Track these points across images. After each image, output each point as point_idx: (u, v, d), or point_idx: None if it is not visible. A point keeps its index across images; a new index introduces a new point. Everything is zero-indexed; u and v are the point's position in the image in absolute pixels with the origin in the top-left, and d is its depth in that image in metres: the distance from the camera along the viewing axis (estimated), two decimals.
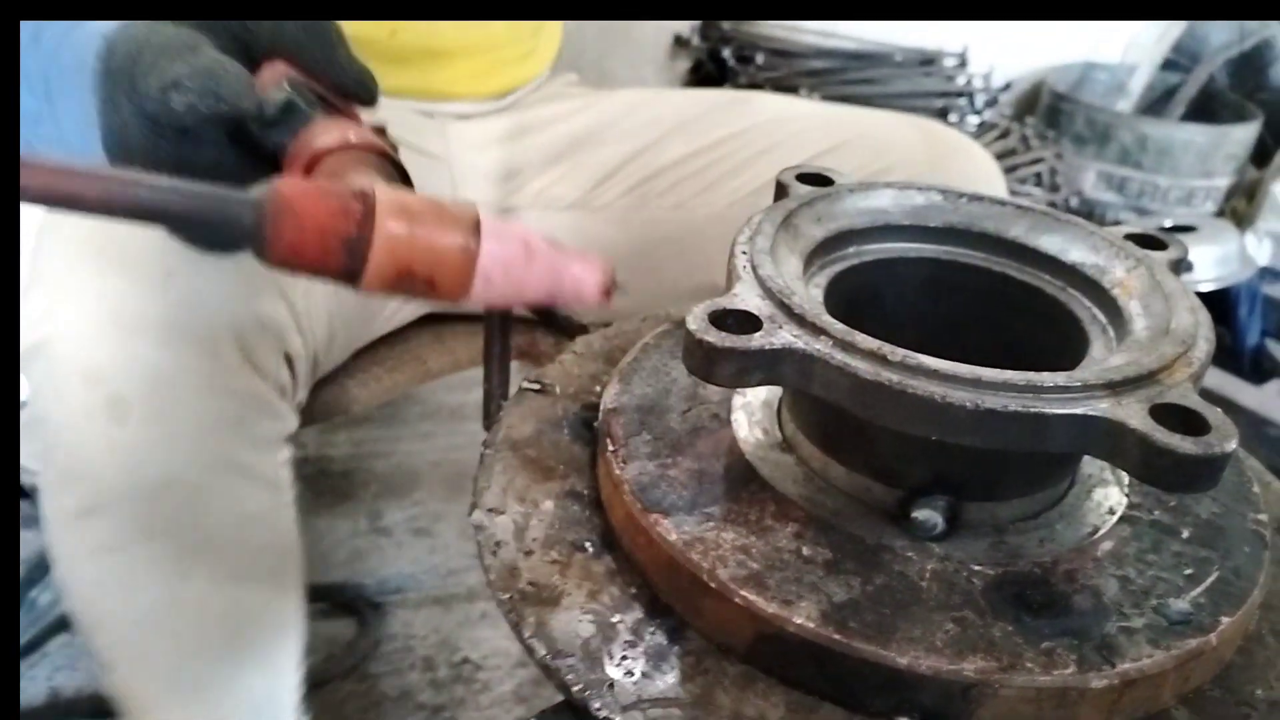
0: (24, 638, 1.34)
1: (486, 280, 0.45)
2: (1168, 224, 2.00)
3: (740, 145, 1.04)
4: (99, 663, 0.83)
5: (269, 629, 0.84)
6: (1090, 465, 0.53)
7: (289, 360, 0.78)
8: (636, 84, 1.98)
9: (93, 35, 0.59)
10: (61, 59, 0.60)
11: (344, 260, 0.44)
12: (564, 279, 0.47)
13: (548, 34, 1.14)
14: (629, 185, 1.05)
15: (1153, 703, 0.43)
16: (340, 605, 1.48)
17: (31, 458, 1.23)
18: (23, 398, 0.73)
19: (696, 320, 0.42)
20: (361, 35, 0.97)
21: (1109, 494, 0.52)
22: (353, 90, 0.58)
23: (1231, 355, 1.85)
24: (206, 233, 0.42)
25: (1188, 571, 0.47)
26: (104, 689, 0.85)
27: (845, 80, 2.07)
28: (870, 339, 0.42)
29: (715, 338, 0.42)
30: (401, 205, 0.44)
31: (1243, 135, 2.22)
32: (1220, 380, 1.62)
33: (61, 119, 0.61)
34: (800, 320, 0.43)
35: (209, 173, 0.52)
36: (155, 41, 0.50)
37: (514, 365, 1.16)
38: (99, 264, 0.69)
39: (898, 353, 0.41)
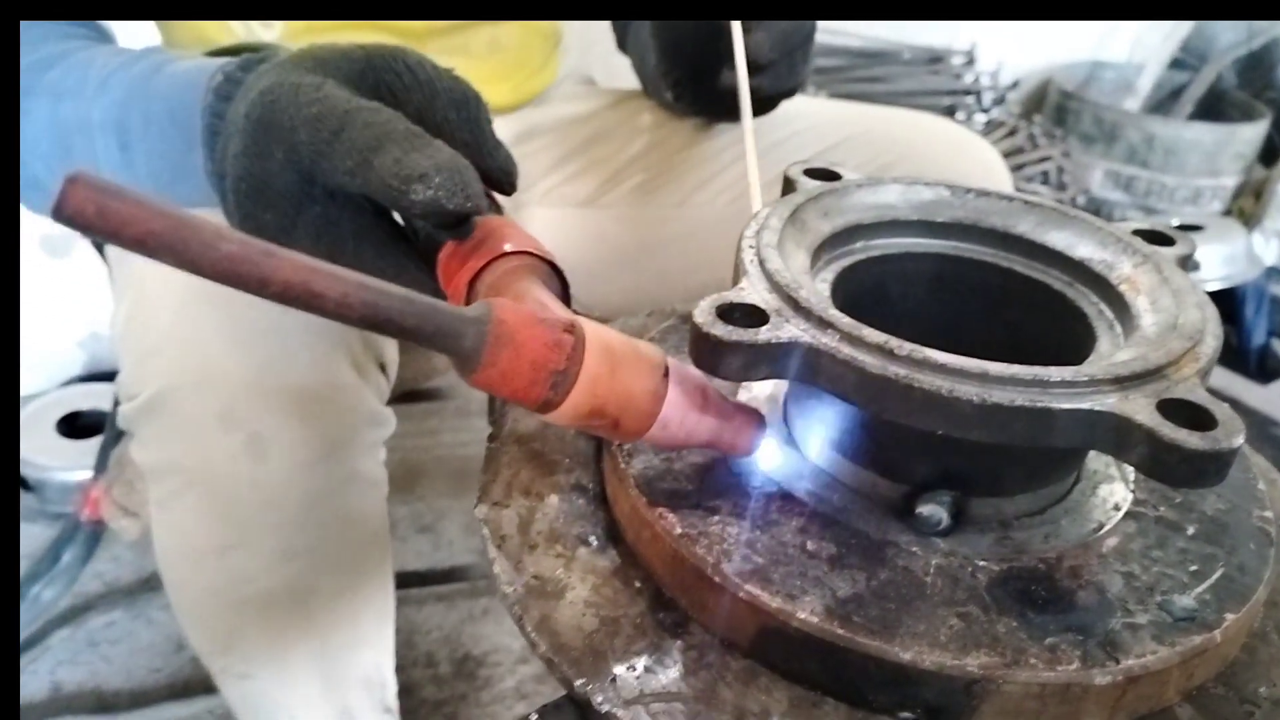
0: (26, 632, 1.34)
1: (664, 425, 0.45)
2: (1175, 223, 1.99)
3: (738, 143, 1.04)
4: (226, 676, 0.85)
5: (378, 610, 0.87)
6: (1095, 461, 0.53)
7: (383, 368, 0.80)
8: None
9: (185, 83, 0.58)
10: (149, 108, 0.61)
11: (546, 392, 0.43)
12: (725, 429, 0.47)
13: (561, 41, 1.15)
14: (635, 183, 1.05)
15: (1157, 699, 0.43)
16: None
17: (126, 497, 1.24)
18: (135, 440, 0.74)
19: (703, 314, 0.42)
20: None
21: (1114, 490, 0.51)
22: (497, 178, 0.56)
23: (1238, 355, 1.85)
24: (423, 343, 0.41)
25: (1193, 568, 0.47)
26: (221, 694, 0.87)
27: (852, 78, 2.07)
28: (877, 332, 0.42)
29: (722, 331, 0.42)
30: (605, 344, 0.44)
31: (1250, 134, 2.22)
32: (1226, 380, 1.62)
33: (137, 168, 0.62)
34: (807, 314, 0.43)
35: (351, 241, 0.53)
36: (361, 119, 0.48)
37: None
38: (212, 305, 0.70)
39: (904, 346, 0.41)
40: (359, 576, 0.83)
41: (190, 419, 0.70)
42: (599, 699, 0.41)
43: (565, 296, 0.53)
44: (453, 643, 1.45)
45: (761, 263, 0.47)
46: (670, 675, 0.42)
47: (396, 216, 0.54)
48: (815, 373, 0.42)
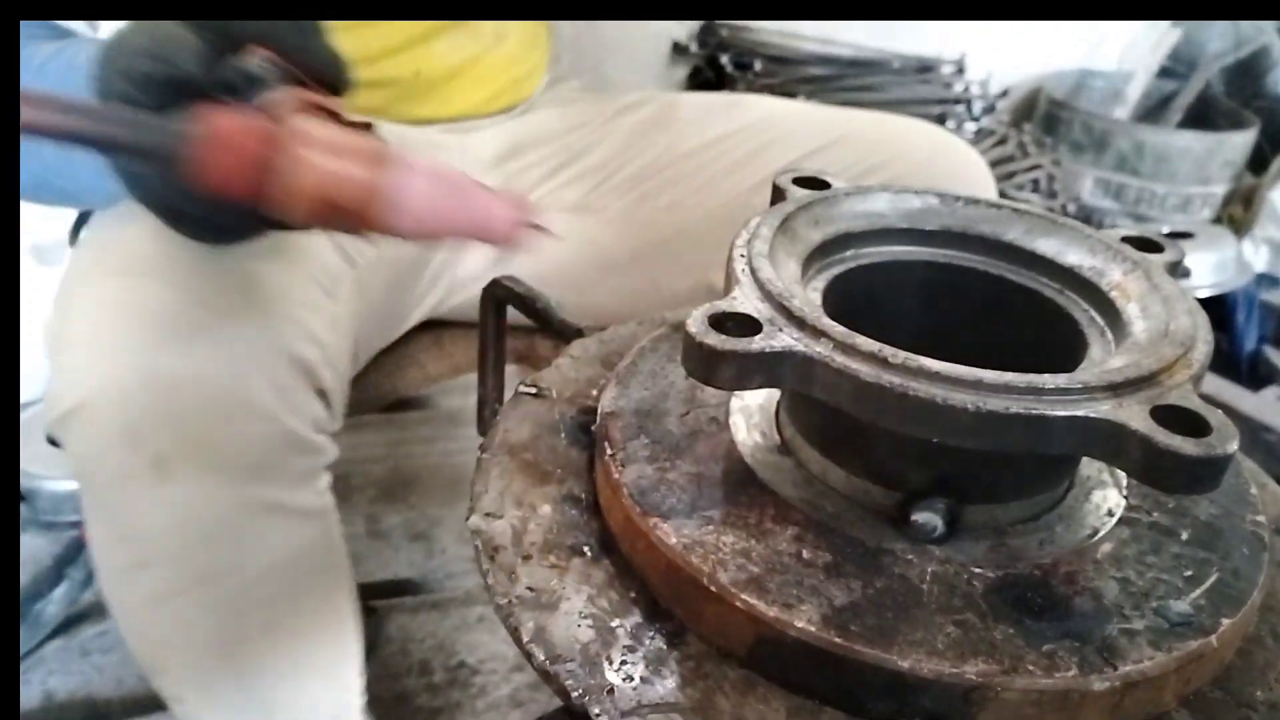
0: (24, 649, 1.33)
1: (402, 209, 0.48)
2: (1165, 230, 2.00)
3: (733, 145, 1.05)
4: (165, 697, 0.84)
5: (329, 646, 0.85)
6: (1088, 467, 0.53)
7: (322, 395, 0.78)
8: (634, 88, 1.98)
9: (81, 45, 0.61)
10: (47, 69, 0.62)
11: (262, 185, 0.47)
12: (476, 211, 0.48)
13: (545, 44, 1.15)
14: (626, 188, 1.05)
15: (1154, 704, 0.43)
16: None
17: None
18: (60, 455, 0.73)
19: (697, 323, 0.42)
20: (388, 77, 0.98)
21: (1108, 496, 0.51)
22: (325, 73, 0.61)
23: (1229, 362, 1.85)
24: (133, 155, 0.46)
25: (1187, 573, 0.47)
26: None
27: (843, 87, 2.07)
28: (871, 341, 0.42)
29: (716, 340, 0.42)
30: (313, 131, 0.47)
31: (1240, 142, 2.22)
32: (1218, 386, 1.62)
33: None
34: (800, 323, 0.43)
35: None
36: (135, 27, 0.54)
37: (512, 370, 1.16)
38: (127, 323, 0.69)
39: (899, 355, 0.41)
40: (297, 609, 0.81)
41: (99, 435, 0.69)
42: (596, 710, 0.41)
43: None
44: (447, 651, 1.45)
45: (754, 272, 0.47)
46: (667, 686, 0.42)
47: None
48: (809, 382, 0.42)
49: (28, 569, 1.42)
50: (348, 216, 0.48)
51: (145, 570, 0.73)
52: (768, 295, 0.45)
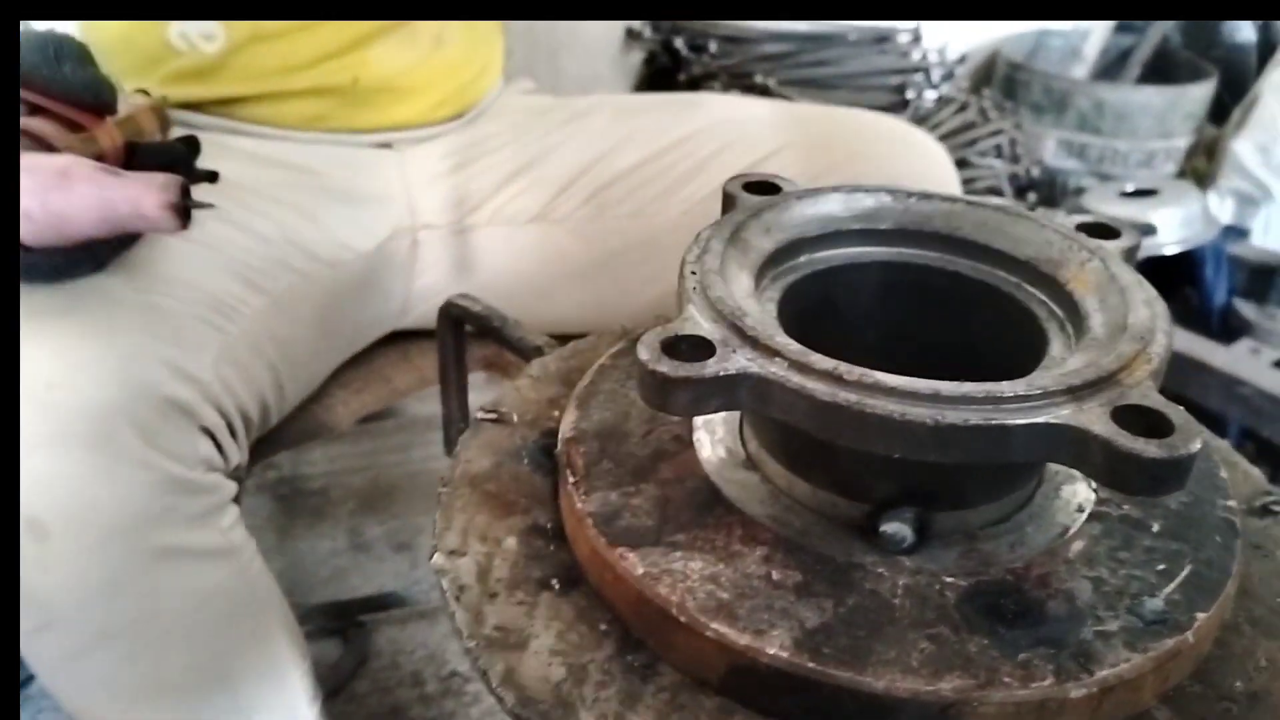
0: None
1: (25, 215, 0.46)
2: (1129, 188, 2.00)
3: (690, 150, 1.04)
4: None
5: (267, 680, 0.84)
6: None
7: (209, 432, 0.76)
8: (591, 80, 1.97)
9: None
10: None
11: None
12: (117, 202, 0.47)
13: (497, 45, 1.13)
14: (585, 196, 1.04)
15: (1133, 705, 0.43)
16: (325, 626, 1.47)
17: None
18: None
19: (648, 349, 0.41)
20: (326, 84, 0.96)
21: (1077, 490, 0.51)
22: (82, 99, 0.65)
23: (1200, 316, 1.86)
24: None
25: (1160, 567, 0.47)
26: None
27: (800, 63, 2.06)
28: (826, 359, 0.41)
29: (668, 367, 0.41)
30: None
31: (1199, 94, 2.22)
32: (1190, 342, 1.62)
33: None
34: (754, 343, 0.42)
35: None
36: None
37: (481, 376, 1.15)
38: None
39: (854, 371, 0.40)
40: (222, 650, 0.80)
41: None
42: None
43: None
44: (438, 660, 1.44)
45: (705, 290, 0.46)
46: None
47: None
48: (766, 402, 0.41)
49: None
50: None
51: (50, 631, 0.72)
52: (719, 315, 0.44)
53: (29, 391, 0.66)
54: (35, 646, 0.74)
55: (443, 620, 1.50)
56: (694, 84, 2.00)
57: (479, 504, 0.53)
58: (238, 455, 0.81)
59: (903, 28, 2.19)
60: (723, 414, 0.55)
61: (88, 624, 0.72)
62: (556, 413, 0.60)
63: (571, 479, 0.50)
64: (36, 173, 0.46)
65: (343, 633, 1.46)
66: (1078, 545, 0.47)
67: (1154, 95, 2.19)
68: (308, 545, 1.63)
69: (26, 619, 0.71)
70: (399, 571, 1.59)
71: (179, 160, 0.78)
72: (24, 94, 0.58)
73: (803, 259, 0.54)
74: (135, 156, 0.73)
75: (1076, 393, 0.40)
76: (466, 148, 1.05)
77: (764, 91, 1.93)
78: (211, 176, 0.86)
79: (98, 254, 0.71)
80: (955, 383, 0.40)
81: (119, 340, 0.71)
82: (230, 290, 0.85)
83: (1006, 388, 0.40)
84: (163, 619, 0.74)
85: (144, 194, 0.48)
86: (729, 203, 0.56)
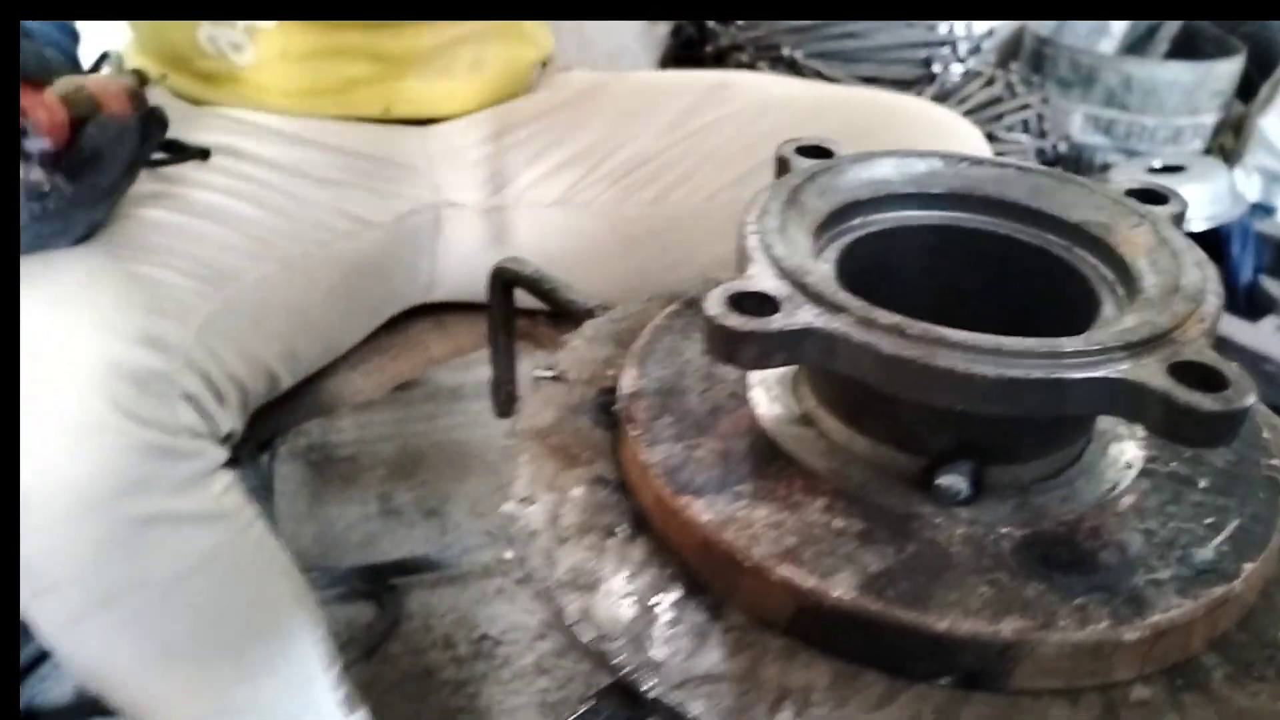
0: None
1: None
2: (1157, 164, 2.00)
3: (721, 135, 1.04)
4: (124, 715, 0.84)
5: (279, 644, 0.85)
6: (1105, 420, 0.54)
7: (192, 399, 0.77)
8: (617, 51, 1.97)
9: None
10: None
11: None
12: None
13: (540, 53, 1.14)
14: (610, 180, 1.05)
15: (1183, 650, 0.44)
16: (358, 588, 1.50)
17: None
18: None
19: (716, 305, 0.43)
20: (354, 111, 0.99)
21: (1125, 449, 0.53)
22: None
23: (1226, 293, 1.86)
24: None
25: (1208, 521, 0.48)
26: None
27: (827, 36, 2.06)
28: (890, 314, 0.43)
29: (736, 321, 0.42)
30: None
31: (1227, 70, 2.22)
32: None
33: None
34: (819, 299, 0.44)
35: None
36: None
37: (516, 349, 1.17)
38: None
39: (917, 326, 0.42)
40: (226, 613, 0.81)
41: None
42: (647, 685, 0.42)
43: None
44: (469, 624, 1.47)
45: (767, 248, 0.47)
46: (713, 657, 0.43)
47: None
48: (831, 357, 0.43)
49: None
50: None
51: (51, 595, 0.73)
52: (784, 272, 0.46)
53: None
54: (37, 611, 0.75)
55: (473, 585, 1.53)
56: (720, 56, 2.00)
57: (544, 455, 0.54)
58: (229, 422, 0.82)
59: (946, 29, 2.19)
60: (777, 373, 0.57)
61: (83, 588, 0.73)
62: (611, 371, 0.62)
63: (635, 432, 0.52)
64: None
65: (375, 596, 1.49)
66: (1128, 500, 0.49)
67: (1182, 71, 2.19)
68: (339, 511, 1.66)
69: (25, 584, 0.72)
70: (428, 537, 1.62)
71: (131, 137, 0.80)
72: None
73: (856, 221, 0.55)
74: (81, 132, 0.76)
75: (1134, 349, 0.42)
76: (491, 131, 1.06)
77: (791, 64, 1.93)
78: (203, 154, 0.88)
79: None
80: (1017, 338, 0.42)
81: (91, 311, 0.73)
82: (227, 260, 0.86)
83: (1067, 343, 0.42)
84: (158, 584, 0.75)
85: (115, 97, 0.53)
86: (782, 166, 0.58)
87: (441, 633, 1.46)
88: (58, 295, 0.72)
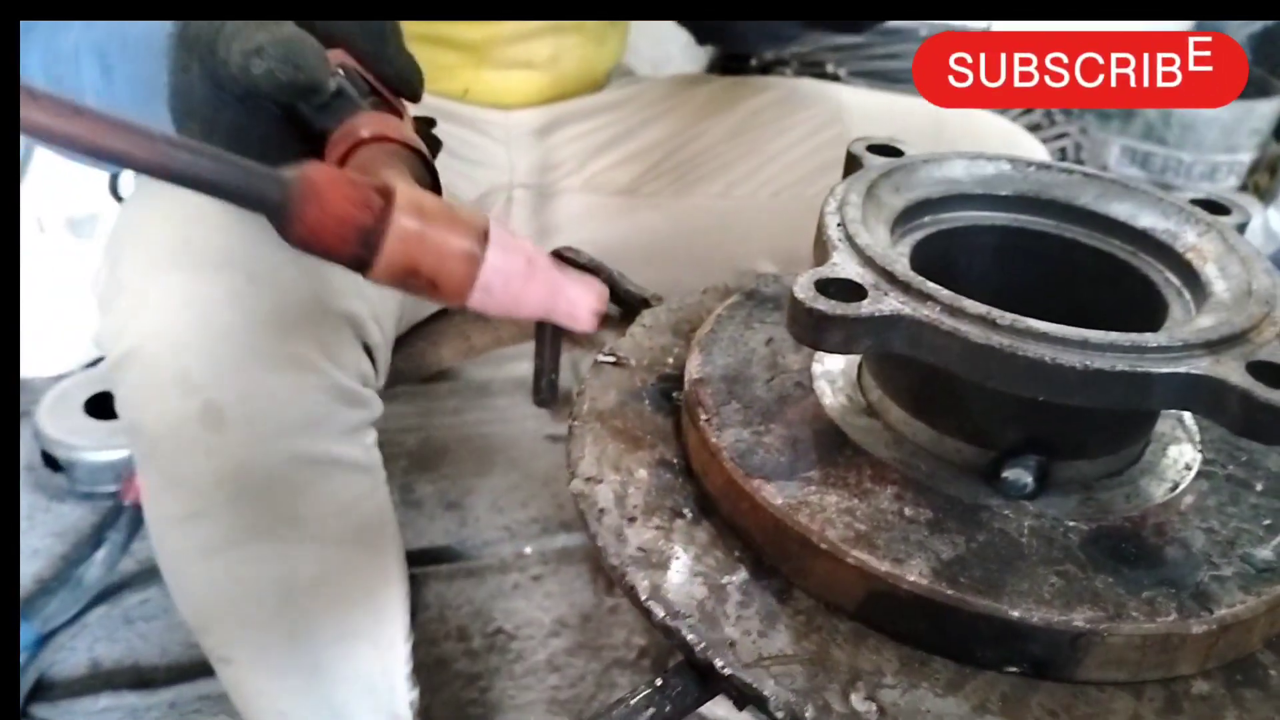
0: (68, 614, 1.35)
1: (486, 289, 0.47)
2: (1191, 198, 2.00)
3: (787, 137, 1.05)
4: (212, 658, 0.84)
5: (376, 606, 0.85)
6: (1163, 423, 0.55)
7: (369, 350, 0.79)
8: (663, 61, 1.98)
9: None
10: (127, 32, 0.62)
11: (357, 249, 0.46)
12: (559, 299, 0.49)
13: (617, 50, 1.15)
14: (679, 173, 1.06)
15: (1243, 646, 0.45)
16: None
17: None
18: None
19: (804, 289, 0.44)
20: (436, 89, 0.98)
21: (1183, 451, 0.53)
22: (397, 84, 0.61)
23: None
24: (234, 201, 0.44)
25: (1266, 522, 0.49)
26: (222, 684, 0.86)
27: (870, 55, 2.07)
28: (978, 304, 0.43)
29: (825, 305, 0.43)
30: (418, 204, 0.46)
31: (1267, 110, 2.22)
32: None
33: (118, 89, 0.63)
34: (906, 287, 0.45)
35: (259, 144, 0.56)
36: (249, 22, 0.52)
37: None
38: (181, 270, 0.69)
39: (1006, 317, 0.43)
40: (346, 566, 0.81)
41: (149, 381, 0.69)
42: (720, 663, 0.43)
43: (434, 186, 0.56)
44: (484, 617, 1.47)
45: (851, 238, 0.48)
46: (783, 639, 0.44)
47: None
48: (918, 345, 0.44)
49: (67, 538, 1.44)
50: (425, 282, 0.47)
51: (196, 521, 0.73)
52: (868, 261, 0.47)
53: (229, 282, 0.69)
54: (175, 537, 0.75)
55: (489, 579, 1.53)
56: (765, 70, 2.01)
57: (609, 437, 0.55)
58: (381, 378, 0.83)
59: (973, 27, 2.20)
60: (840, 364, 0.57)
61: (237, 518, 0.73)
62: (669, 359, 0.62)
63: (704, 416, 0.52)
64: (510, 253, 0.47)
65: None
66: (1189, 499, 0.50)
67: (1222, 109, 2.19)
68: None
69: (175, 505, 0.73)
70: (448, 529, 1.62)
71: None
72: (358, 67, 0.57)
73: (927, 219, 0.56)
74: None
75: (1214, 347, 0.43)
76: (561, 113, 1.07)
77: (834, 81, 1.95)
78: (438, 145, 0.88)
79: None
80: (1103, 332, 0.42)
81: (300, 258, 0.74)
82: None
83: (1150, 339, 0.42)
84: (304, 526, 0.76)
85: (583, 298, 0.49)
86: (852, 163, 0.58)
87: (456, 624, 1.46)
88: (260, 255, 0.72)
